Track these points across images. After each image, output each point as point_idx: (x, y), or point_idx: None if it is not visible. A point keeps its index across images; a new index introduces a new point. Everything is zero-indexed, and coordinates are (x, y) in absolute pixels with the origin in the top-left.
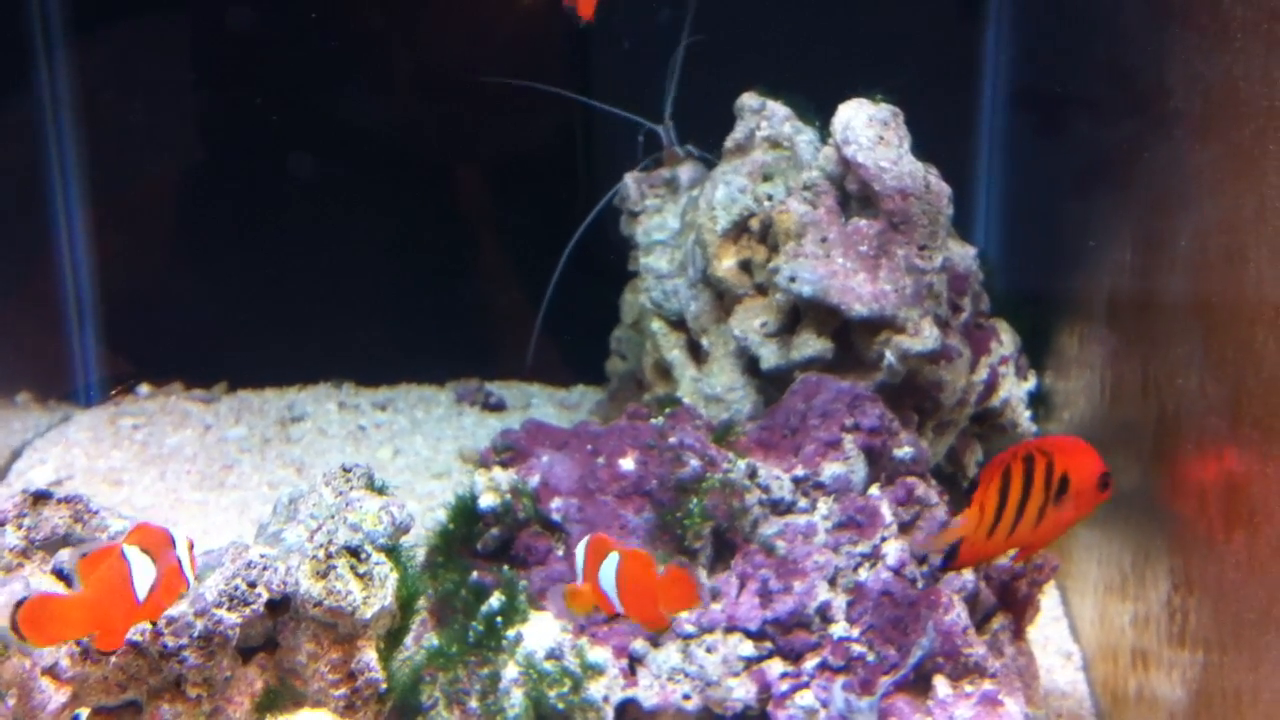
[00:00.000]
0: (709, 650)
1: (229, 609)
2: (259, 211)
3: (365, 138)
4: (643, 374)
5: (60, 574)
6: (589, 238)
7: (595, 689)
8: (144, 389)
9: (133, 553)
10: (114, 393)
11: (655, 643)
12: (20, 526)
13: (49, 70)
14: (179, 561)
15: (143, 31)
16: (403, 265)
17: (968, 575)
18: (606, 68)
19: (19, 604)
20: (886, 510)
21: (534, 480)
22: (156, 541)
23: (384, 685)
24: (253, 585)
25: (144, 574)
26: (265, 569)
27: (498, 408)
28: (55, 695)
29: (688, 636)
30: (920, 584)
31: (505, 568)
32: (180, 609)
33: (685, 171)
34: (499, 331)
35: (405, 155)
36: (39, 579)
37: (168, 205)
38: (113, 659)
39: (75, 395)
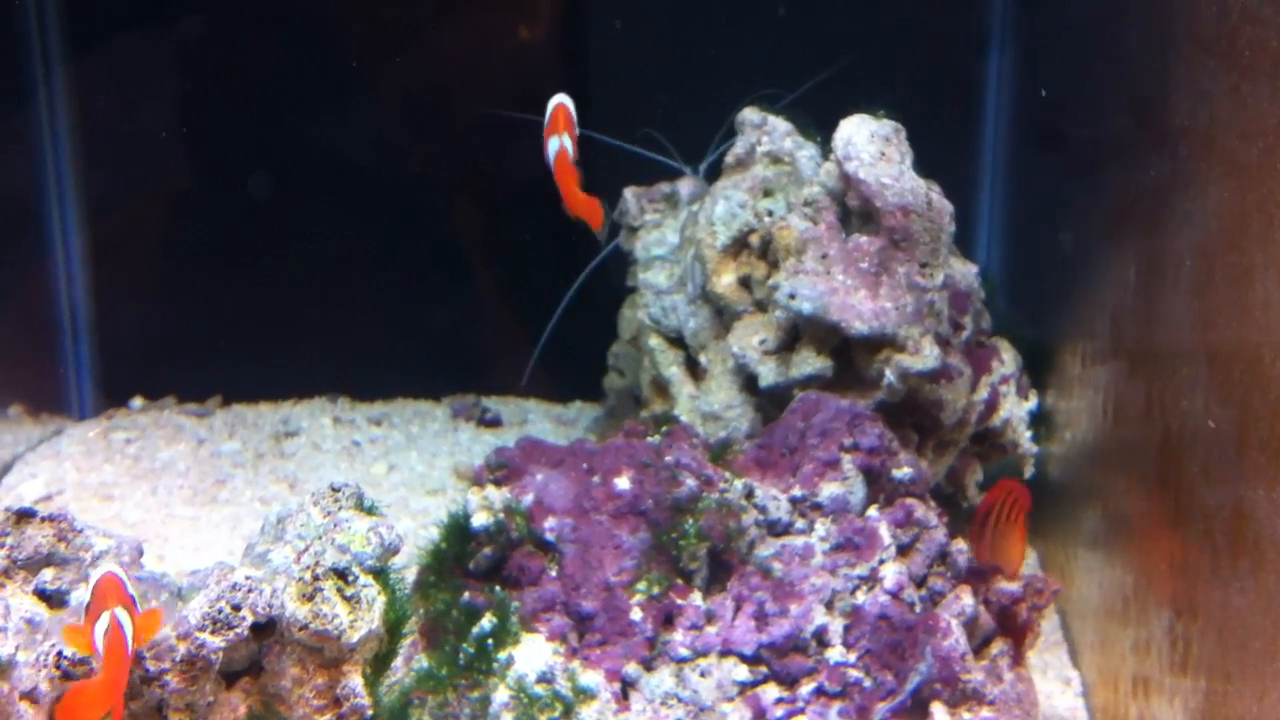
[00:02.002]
0: (703, 675)
1: (212, 632)
2: (255, 226)
3: (363, 153)
4: (640, 391)
5: (43, 595)
6: (588, 253)
7: (587, 714)
8: (137, 402)
9: (123, 616)
10: (105, 408)
11: (648, 666)
12: (2, 546)
13: (46, 84)
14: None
15: (140, 48)
16: (399, 280)
17: (967, 600)
18: (607, 88)
19: (57, 699)
20: (885, 532)
21: (528, 499)
22: (122, 595)
23: (370, 711)
24: (237, 608)
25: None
26: (250, 591)
27: (494, 423)
28: None
29: (682, 660)
30: (918, 608)
31: (497, 588)
32: (163, 632)
33: (685, 186)
34: (496, 347)
35: (402, 171)
36: (20, 599)
37: (163, 219)
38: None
39: (68, 408)
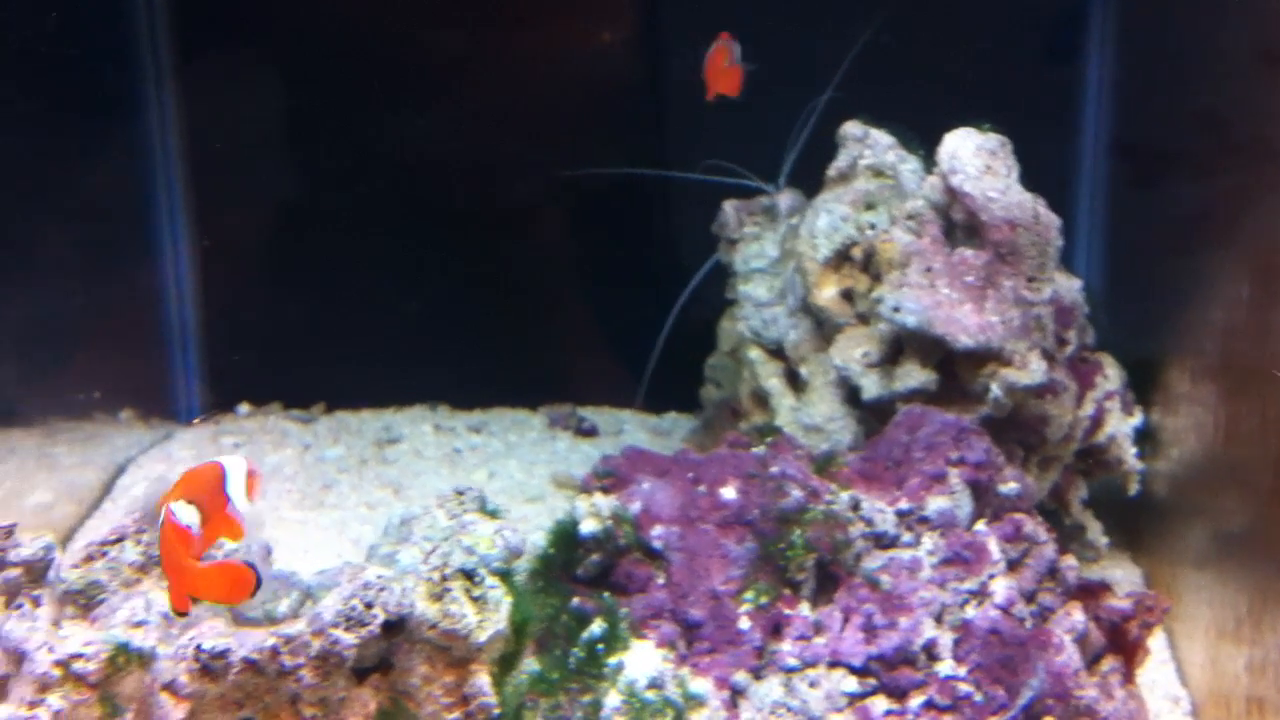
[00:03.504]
0: (812, 685)
1: (345, 629)
2: (358, 238)
3: (467, 165)
4: (738, 402)
5: None
6: (682, 265)
7: None
8: (244, 408)
9: (183, 512)
10: (212, 413)
11: (757, 675)
12: (139, 542)
13: (157, 94)
14: (229, 501)
15: (247, 58)
16: (497, 291)
17: (1078, 616)
18: (684, 102)
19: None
20: (994, 547)
21: (635, 507)
22: (203, 489)
23: (497, 710)
24: (369, 606)
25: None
26: (382, 590)
27: (590, 433)
28: (174, 711)
29: (790, 670)
30: (1029, 624)
31: (606, 594)
32: (298, 628)
33: (784, 200)
34: (591, 358)
35: (504, 183)
36: (157, 594)
37: (269, 230)
38: (230, 676)
39: (177, 414)
